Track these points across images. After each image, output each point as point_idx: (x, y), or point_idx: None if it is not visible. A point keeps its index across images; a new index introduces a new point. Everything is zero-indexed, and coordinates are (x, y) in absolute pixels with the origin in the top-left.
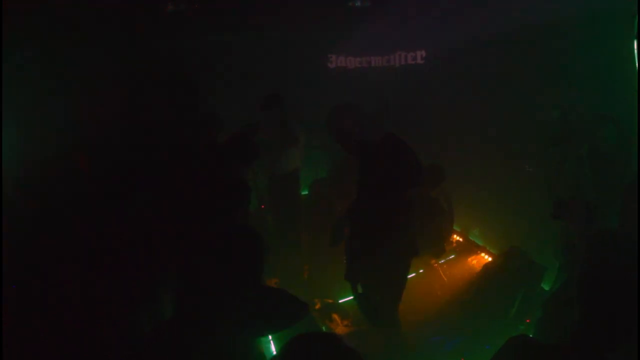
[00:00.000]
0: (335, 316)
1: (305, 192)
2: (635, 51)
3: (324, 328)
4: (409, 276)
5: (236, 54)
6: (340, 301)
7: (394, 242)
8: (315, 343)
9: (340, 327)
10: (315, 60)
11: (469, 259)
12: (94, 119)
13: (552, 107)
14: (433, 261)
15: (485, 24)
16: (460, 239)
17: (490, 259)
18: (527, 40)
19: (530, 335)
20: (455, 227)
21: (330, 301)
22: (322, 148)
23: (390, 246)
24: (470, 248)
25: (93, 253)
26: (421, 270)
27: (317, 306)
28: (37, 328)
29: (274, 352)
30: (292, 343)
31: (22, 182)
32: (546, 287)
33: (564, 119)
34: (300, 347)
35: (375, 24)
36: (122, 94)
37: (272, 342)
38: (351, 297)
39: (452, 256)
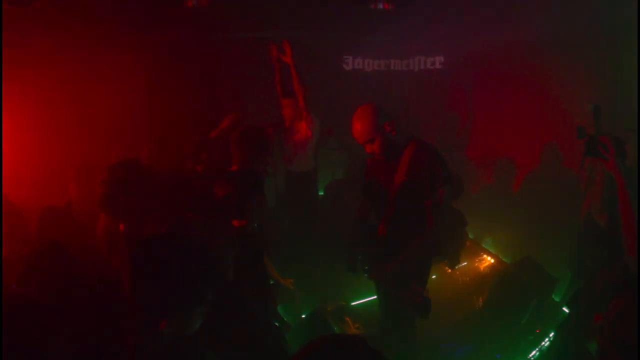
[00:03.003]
0: (347, 319)
1: (321, 193)
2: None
3: (335, 329)
4: None
5: (254, 51)
6: (352, 303)
7: (418, 245)
8: (341, 344)
9: (352, 329)
10: (333, 61)
11: (482, 267)
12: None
13: (587, 101)
14: (446, 268)
15: (507, 31)
16: (474, 247)
17: (502, 268)
18: (543, 48)
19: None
20: (469, 235)
21: (342, 303)
22: (338, 149)
23: (415, 249)
24: (483, 256)
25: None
26: (434, 276)
27: (330, 308)
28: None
29: None
30: (316, 343)
31: None
32: (557, 299)
33: (597, 113)
34: (325, 347)
35: (396, 27)
36: (141, 87)
37: None
38: (363, 300)
39: (465, 263)
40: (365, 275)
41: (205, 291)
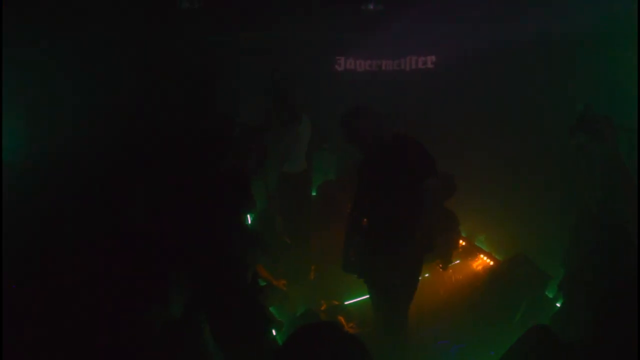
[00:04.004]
0: (340, 318)
1: (313, 194)
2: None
3: None
4: None
5: (247, 53)
6: (346, 303)
7: (409, 239)
8: (317, 332)
9: (345, 328)
10: (326, 62)
11: (475, 265)
12: (104, 116)
13: (577, 101)
14: (439, 267)
15: (497, 33)
16: (467, 245)
17: (496, 265)
18: (537, 48)
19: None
20: (461, 233)
21: (336, 303)
22: (331, 150)
23: (405, 244)
24: (476, 254)
25: (101, 252)
26: (427, 275)
27: (323, 307)
28: (42, 328)
29: None
30: (295, 334)
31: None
32: (550, 295)
33: (588, 113)
34: (303, 337)
35: (387, 28)
36: (133, 90)
37: None
38: (357, 299)
39: (458, 261)
40: (355, 276)
41: (177, 279)
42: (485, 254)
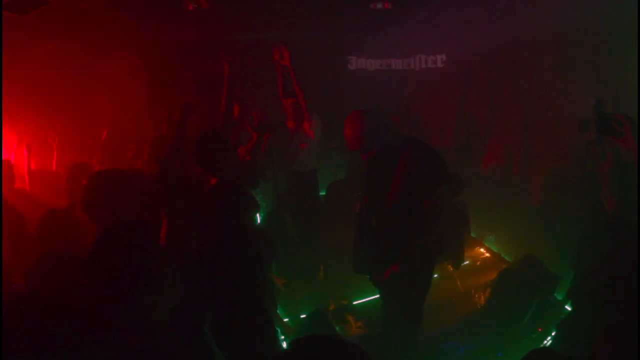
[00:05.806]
0: (349, 317)
1: (322, 193)
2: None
3: (337, 329)
4: None
5: (257, 53)
6: (354, 303)
7: (421, 243)
8: (319, 344)
9: (353, 328)
10: (336, 61)
11: (484, 266)
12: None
13: (589, 96)
14: (449, 267)
15: (505, 31)
16: (476, 246)
17: (504, 266)
18: (545, 46)
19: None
20: (470, 234)
21: (344, 302)
22: (340, 149)
23: (418, 247)
24: (485, 255)
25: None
26: (436, 275)
27: (332, 307)
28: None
29: None
30: (295, 345)
31: None
32: (559, 297)
33: (599, 108)
34: (304, 349)
35: (396, 27)
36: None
37: None
38: (366, 299)
39: (467, 262)
40: (367, 277)
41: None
42: (494, 254)
